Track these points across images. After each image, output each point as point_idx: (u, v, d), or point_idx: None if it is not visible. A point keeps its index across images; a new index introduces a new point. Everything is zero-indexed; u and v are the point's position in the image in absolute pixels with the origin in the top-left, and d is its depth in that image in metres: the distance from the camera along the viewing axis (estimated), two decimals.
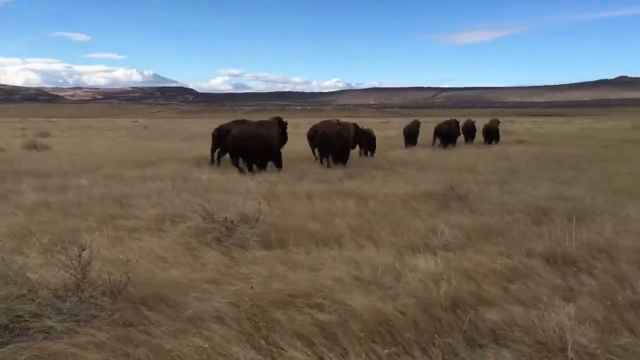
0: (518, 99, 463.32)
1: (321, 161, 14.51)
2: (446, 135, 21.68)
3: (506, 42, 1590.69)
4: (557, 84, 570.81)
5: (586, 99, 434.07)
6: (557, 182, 10.13)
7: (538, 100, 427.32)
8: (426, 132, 22.37)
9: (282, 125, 14.05)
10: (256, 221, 6.42)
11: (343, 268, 4.82)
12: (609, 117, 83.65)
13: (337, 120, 15.92)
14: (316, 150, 15.20)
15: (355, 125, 16.17)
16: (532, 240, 5.77)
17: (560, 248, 5.33)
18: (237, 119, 15.39)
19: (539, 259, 5.15)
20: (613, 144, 21.12)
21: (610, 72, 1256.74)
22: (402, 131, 22.79)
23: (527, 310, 3.91)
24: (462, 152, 17.56)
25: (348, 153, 14.66)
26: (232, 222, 6.17)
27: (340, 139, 14.29)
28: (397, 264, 4.91)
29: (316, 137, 14.91)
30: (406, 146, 21.08)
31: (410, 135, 21.73)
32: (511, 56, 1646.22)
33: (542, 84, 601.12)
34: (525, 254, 5.33)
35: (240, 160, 12.93)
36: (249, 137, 12.68)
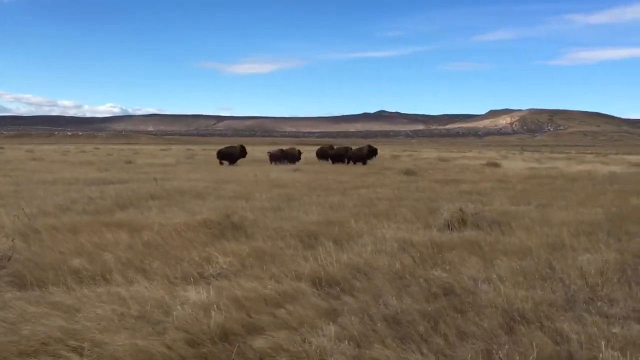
0: (294, 129, 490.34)
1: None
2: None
3: (282, 75, 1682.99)
4: (329, 116, 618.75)
5: (353, 130, 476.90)
6: (326, 208, 10.81)
7: (312, 131, 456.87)
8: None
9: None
10: (8, 260, 5.74)
11: (108, 306, 4.49)
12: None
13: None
14: None
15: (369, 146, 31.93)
16: (302, 264, 6.02)
17: (325, 270, 5.67)
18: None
19: (306, 282, 5.40)
20: (375, 171, 23.33)
21: (371, 108, 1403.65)
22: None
23: (293, 334, 4.05)
24: (240, 180, 17.85)
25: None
26: None
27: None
28: (168, 297, 4.74)
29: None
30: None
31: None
32: (286, 89, 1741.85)
33: (316, 116, 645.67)
34: (294, 277, 5.56)
35: None
36: None
